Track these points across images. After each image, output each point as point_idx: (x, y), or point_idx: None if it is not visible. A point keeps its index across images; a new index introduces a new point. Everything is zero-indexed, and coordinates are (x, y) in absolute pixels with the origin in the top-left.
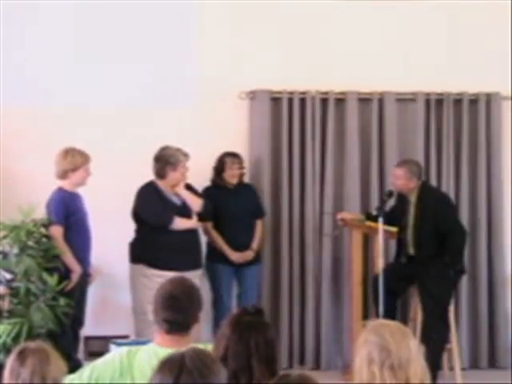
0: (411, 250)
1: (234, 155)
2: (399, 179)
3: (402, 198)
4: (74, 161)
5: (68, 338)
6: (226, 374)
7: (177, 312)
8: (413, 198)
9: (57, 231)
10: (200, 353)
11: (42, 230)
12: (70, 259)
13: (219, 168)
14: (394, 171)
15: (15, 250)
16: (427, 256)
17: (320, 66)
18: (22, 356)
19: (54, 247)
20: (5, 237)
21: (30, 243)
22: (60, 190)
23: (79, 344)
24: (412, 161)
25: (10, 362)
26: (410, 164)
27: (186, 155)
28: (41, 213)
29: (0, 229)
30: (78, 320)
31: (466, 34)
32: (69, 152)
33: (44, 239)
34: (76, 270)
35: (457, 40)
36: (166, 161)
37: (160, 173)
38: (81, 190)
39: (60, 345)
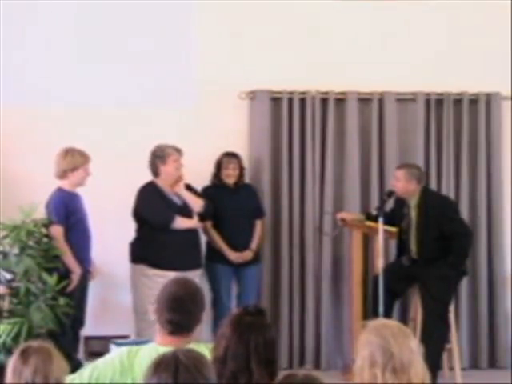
0: (413, 254)
1: (230, 155)
2: (399, 181)
3: (401, 202)
4: (74, 161)
5: (68, 338)
6: (228, 380)
7: (181, 313)
8: (413, 203)
9: (57, 231)
10: (190, 350)
11: (43, 230)
12: (70, 260)
13: (217, 168)
14: (394, 173)
15: (15, 250)
16: (429, 259)
17: (320, 65)
18: (25, 355)
19: (54, 247)
20: (5, 237)
21: (31, 243)
22: (59, 190)
23: (79, 344)
24: (413, 164)
25: (12, 361)
26: (410, 166)
27: (177, 150)
28: (41, 213)
29: (0, 229)
30: (78, 320)
31: (466, 34)
32: (68, 152)
33: (44, 239)
34: (76, 270)
35: (457, 40)
36: (154, 155)
37: (153, 170)
38: (81, 190)
39: (60, 345)
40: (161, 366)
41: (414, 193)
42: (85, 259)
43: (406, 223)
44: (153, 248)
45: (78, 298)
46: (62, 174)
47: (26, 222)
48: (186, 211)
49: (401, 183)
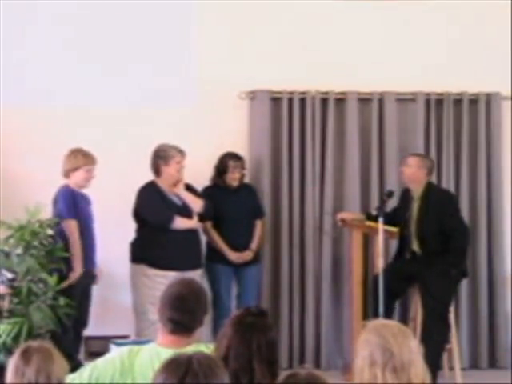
0: (414, 246)
1: (236, 158)
2: (409, 167)
3: (405, 196)
4: (75, 161)
5: (69, 339)
6: (229, 379)
7: (183, 313)
8: (416, 194)
9: (71, 225)
10: (207, 357)
11: (48, 230)
12: (77, 256)
13: (221, 169)
14: (405, 160)
15: (19, 250)
16: (431, 252)
17: (320, 65)
18: (27, 355)
19: (58, 248)
20: (10, 237)
21: (35, 243)
22: (66, 186)
23: (81, 345)
24: (426, 155)
25: (13, 361)
26: (424, 156)
27: (180, 152)
28: (46, 213)
29: (5, 228)
30: (80, 321)
31: (466, 34)
32: (73, 152)
33: (49, 239)
34: (77, 269)
35: (457, 40)
36: (157, 155)
37: (155, 169)
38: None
39: (61, 345)
40: (171, 365)
41: (420, 182)
42: (89, 259)
43: (408, 215)
44: (153, 248)
45: (81, 298)
46: (66, 174)
47: (31, 222)
48: (185, 211)
49: (410, 169)
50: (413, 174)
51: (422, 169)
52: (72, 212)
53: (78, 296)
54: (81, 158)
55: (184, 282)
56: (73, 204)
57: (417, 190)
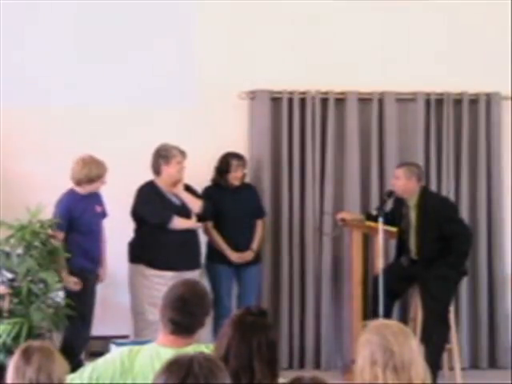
0: (414, 256)
1: (238, 157)
2: (399, 179)
3: (400, 202)
4: (91, 174)
5: (77, 338)
6: (230, 381)
7: (185, 315)
8: (412, 203)
9: (57, 235)
10: (208, 359)
11: (49, 231)
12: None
13: (223, 169)
14: (394, 172)
15: (19, 250)
16: (429, 259)
17: (320, 65)
18: (27, 354)
19: (59, 249)
20: (10, 237)
21: (36, 243)
22: (71, 191)
23: (84, 345)
24: (412, 162)
25: (14, 361)
26: (410, 164)
27: (182, 152)
28: (46, 213)
29: (6, 228)
30: (83, 321)
31: (466, 34)
32: (86, 164)
33: (50, 240)
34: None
35: (457, 40)
36: (158, 155)
37: (155, 168)
38: None
39: (63, 345)
40: (172, 367)
41: (413, 191)
42: (90, 260)
43: (405, 224)
44: (151, 248)
45: (82, 298)
46: (78, 182)
47: (32, 222)
48: (184, 212)
49: (400, 181)
50: (403, 186)
51: (411, 178)
52: (63, 223)
53: (80, 297)
54: (95, 171)
55: (188, 283)
56: (67, 216)
57: (412, 199)
